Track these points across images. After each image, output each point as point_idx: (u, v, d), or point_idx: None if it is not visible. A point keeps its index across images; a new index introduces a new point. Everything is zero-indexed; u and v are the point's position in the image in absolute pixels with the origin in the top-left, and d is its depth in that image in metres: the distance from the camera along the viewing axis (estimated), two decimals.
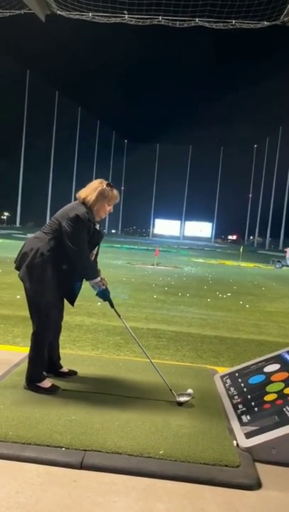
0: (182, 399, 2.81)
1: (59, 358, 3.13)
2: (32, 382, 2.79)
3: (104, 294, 2.84)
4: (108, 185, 2.85)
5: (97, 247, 2.94)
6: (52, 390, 2.77)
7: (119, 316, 2.97)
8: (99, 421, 2.44)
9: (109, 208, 2.90)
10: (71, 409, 2.56)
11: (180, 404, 2.78)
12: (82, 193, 2.84)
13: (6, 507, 1.74)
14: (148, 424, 2.45)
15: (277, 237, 58.67)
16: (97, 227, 2.89)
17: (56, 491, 1.87)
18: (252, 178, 66.81)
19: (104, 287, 2.82)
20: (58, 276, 2.72)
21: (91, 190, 2.82)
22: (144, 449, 2.18)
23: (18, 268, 2.81)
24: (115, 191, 2.88)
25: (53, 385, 2.81)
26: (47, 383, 2.80)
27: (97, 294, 2.85)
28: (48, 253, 2.69)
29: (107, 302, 2.91)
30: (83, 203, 2.80)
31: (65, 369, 3.13)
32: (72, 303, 2.98)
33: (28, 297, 2.76)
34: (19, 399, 2.65)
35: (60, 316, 3.02)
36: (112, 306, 2.93)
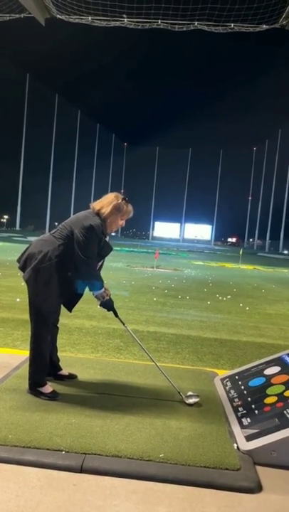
0: (191, 400, 2.83)
1: (58, 360, 3.12)
2: (34, 386, 2.78)
3: (108, 305, 2.85)
4: (124, 199, 2.86)
5: (103, 260, 2.96)
6: (52, 396, 2.75)
7: (124, 324, 2.98)
8: (99, 424, 2.43)
9: (121, 223, 2.91)
10: (71, 412, 2.56)
11: (190, 405, 2.80)
12: (97, 205, 2.84)
13: (5, 510, 1.73)
14: (148, 428, 2.44)
15: (277, 239, 58.69)
16: (107, 239, 2.91)
17: (56, 494, 1.86)
18: (251, 181, 66.91)
19: (108, 297, 2.83)
20: (62, 283, 2.72)
21: (107, 203, 2.82)
22: (144, 452, 2.18)
23: (22, 269, 2.79)
24: (130, 206, 2.90)
25: (53, 391, 2.79)
26: (48, 388, 2.79)
27: (100, 305, 2.86)
28: (56, 259, 2.68)
29: (111, 312, 2.92)
30: (97, 214, 2.80)
31: (65, 372, 3.12)
32: (70, 309, 2.98)
33: (31, 299, 2.75)
34: (19, 402, 2.64)
35: (57, 318, 3.04)
36: (116, 315, 2.95)
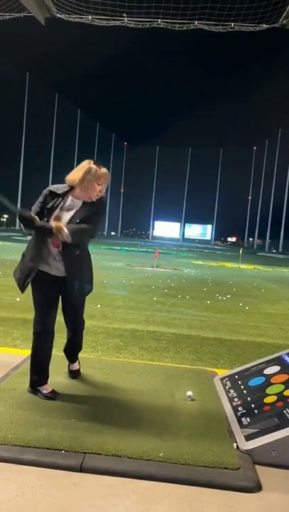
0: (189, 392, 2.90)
1: (71, 359, 3.16)
2: (33, 385, 2.79)
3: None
4: (95, 163, 2.78)
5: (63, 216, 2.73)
6: (51, 397, 2.73)
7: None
8: (99, 423, 2.43)
9: (99, 188, 2.78)
10: (71, 411, 2.56)
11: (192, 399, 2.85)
12: (70, 176, 2.80)
13: (5, 510, 1.73)
14: (148, 427, 2.44)
15: (277, 238, 58.70)
16: (79, 203, 2.76)
17: (56, 493, 1.86)
18: (251, 180, 66.87)
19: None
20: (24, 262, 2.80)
21: (77, 170, 2.78)
22: (143, 451, 2.18)
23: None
24: (103, 169, 2.79)
25: (53, 391, 2.78)
26: (47, 388, 2.79)
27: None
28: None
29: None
30: (69, 185, 2.77)
31: (72, 367, 3.15)
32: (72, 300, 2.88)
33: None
34: (19, 401, 2.64)
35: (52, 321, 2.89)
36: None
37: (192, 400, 2.88)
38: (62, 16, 13.43)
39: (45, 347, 2.81)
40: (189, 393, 2.90)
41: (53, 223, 2.59)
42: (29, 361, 2.86)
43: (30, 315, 5.65)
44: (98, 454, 2.14)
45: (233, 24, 13.32)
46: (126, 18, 13.13)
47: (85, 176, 2.72)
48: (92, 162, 2.79)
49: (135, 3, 12.52)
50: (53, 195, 2.76)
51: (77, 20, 13.52)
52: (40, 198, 2.77)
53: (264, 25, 13.36)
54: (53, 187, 2.81)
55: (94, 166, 2.75)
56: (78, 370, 3.19)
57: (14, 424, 2.34)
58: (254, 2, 12.45)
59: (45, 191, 2.78)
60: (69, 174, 2.83)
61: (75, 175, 2.77)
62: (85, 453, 2.14)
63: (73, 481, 1.96)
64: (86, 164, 2.78)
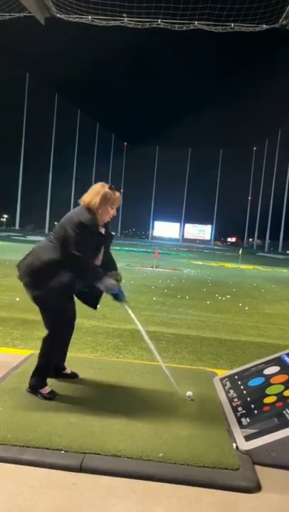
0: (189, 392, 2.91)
1: (64, 360, 3.13)
2: (34, 388, 2.78)
3: (117, 297, 2.89)
4: (110, 188, 2.83)
5: (102, 249, 2.93)
6: (49, 397, 2.73)
7: (134, 317, 3.02)
8: (98, 424, 2.43)
9: (112, 212, 2.88)
10: (70, 412, 2.56)
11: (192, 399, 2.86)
12: (86, 198, 2.81)
13: (5, 510, 1.73)
14: (147, 427, 2.44)
15: (277, 239, 58.72)
16: (102, 230, 2.90)
17: (55, 494, 1.86)
18: (251, 181, 66.88)
19: (115, 287, 2.81)
20: (65, 282, 2.70)
21: (94, 194, 2.79)
22: (143, 451, 2.18)
23: (22, 277, 2.76)
24: (117, 194, 2.87)
25: (51, 391, 2.79)
26: (46, 389, 2.79)
27: (114, 297, 2.90)
28: (54, 260, 2.68)
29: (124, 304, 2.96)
30: (88, 207, 2.78)
31: (68, 370, 3.13)
32: (94, 307, 3.05)
33: (39, 304, 2.76)
34: (18, 402, 2.64)
35: (73, 315, 3.06)
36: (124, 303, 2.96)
37: (192, 400, 2.88)
38: (62, 16, 13.44)
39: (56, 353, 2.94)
40: (189, 393, 2.90)
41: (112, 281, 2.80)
42: (32, 362, 2.86)
43: (30, 315, 5.67)
44: (98, 454, 2.14)
45: (233, 24, 13.33)
46: (126, 18, 13.14)
47: (102, 202, 2.78)
48: (107, 187, 2.83)
49: (135, 3, 12.53)
50: (92, 227, 2.76)
51: (77, 20, 13.52)
52: (89, 234, 2.72)
53: (264, 26, 13.37)
54: (87, 221, 2.71)
55: (110, 192, 2.81)
56: (72, 372, 3.15)
57: (14, 424, 2.34)
58: (254, 2, 12.46)
59: (90, 225, 2.71)
60: (84, 196, 2.83)
61: (92, 199, 2.78)
62: (85, 453, 2.14)
63: (73, 481, 1.96)
64: (101, 189, 2.81)
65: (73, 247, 2.63)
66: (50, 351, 2.82)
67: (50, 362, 2.85)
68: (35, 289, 2.71)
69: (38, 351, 2.84)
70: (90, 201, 2.77)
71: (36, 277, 2.70)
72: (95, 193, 2.79)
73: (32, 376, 2.81)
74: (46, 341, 2.81)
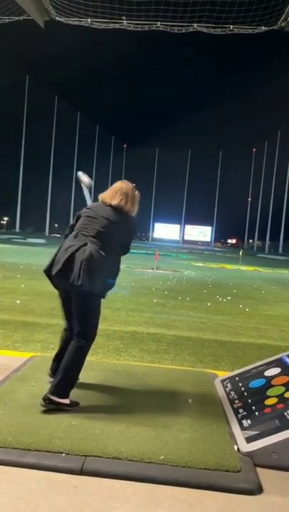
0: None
1: None
2: (60, 396, 2.60)
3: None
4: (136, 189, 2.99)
5: None
6: (74, 407, 2.63)
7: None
8: (99, 426, 2.43)
9: None
10: (71, 414, 2.55)
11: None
12: (126, 205, 2.86)
13: None
14: (148, 429, 2.44)
15: (277, 240, 58.69)
16: None
17: (56, 497, 1.86)
18: (251, 182, 66.87)
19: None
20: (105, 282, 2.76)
21: (131, 200, 2.89)
22: (144, 454, 2.18)
23: (64, 275, 2.63)
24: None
25: (72, 401, 2.67)
26: (67, 400, 2.65)
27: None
28: (105, 261, 2.69)
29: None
30: (127, 213, 2.87)
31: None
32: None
33: (86, 308, 2.70)
34: (19, 405, 2.64)
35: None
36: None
37: (192, 402, 2.87)
38: (62, 19, 13.48)
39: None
40: (190, 401, 2.90)
41: None
42: (33, 365, 2.84)
43: (31, 318, 5.67)
44: (99, 456, 2.14)
45: (232, 26, 13.36)
46: (125, 21, 13.17)
47: (136, 206, 2.99)
48: (136, 189, 2.99)
49: (134, 6, 12.56)
50: None
51: (76, 23, 13.56)
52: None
53: (263, 28, 13.41)
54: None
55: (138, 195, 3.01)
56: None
57: (14, 427, 2.34)
58: (253, 5, 12.49)
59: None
60: (128, 205, 2.88)
61: (133, 205, 2.93)
62: (86, 456, 2.13)
63: (74, 484, 1.96)
64: (135, 194, 2.95)
65: (126, 248, 2.90)
66: (84, 359, 2.74)
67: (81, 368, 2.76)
68: (91, 287, 2.61)
69: (68, 360, 2.68)
70: (131, 208, 2.89)
71: (91, 275, 2.60)
72: (132, 199, 2.90)
73: (57, 387, 2.61)
74: (84, 350, 2.72)
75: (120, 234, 2.82)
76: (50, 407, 2.56)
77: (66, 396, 2.63)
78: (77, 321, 2.74)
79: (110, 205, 2.83)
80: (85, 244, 2.68)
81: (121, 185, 2.91)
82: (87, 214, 2.84)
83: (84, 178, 3.27)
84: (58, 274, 2.68)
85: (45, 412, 2.55)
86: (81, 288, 2.58)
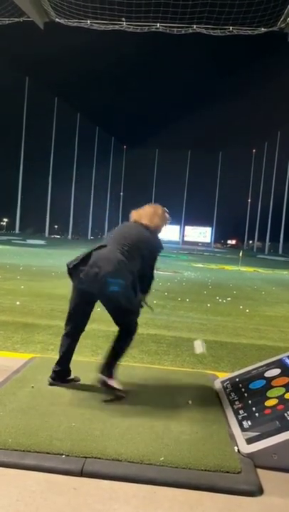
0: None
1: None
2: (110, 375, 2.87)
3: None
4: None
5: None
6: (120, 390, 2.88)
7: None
8: (99, 428, 2.42)
9: None
10: (71, 416, 2.55)
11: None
12: (154, 221, 3.11)
13: None
14: (148, 431, 2.43)
15: (277, 241, 58.70)
16: None
17: (56, 498, 1.86)
18: (251, 183, 66.91)
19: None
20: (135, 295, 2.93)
21: (160, 220, 3.14)
22: (144, 455, 2.17)
23: (100, 279, 2.73)
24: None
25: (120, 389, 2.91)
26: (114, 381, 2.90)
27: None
28: (131, 275, 2.83)
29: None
30: (154, 229, 3.10)
31: (72, 375, 3.15)
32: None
33: (124, 307, 2.86)
34: (19, 406, 2.64)
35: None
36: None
37: (192, 403, 2.87)
38: (61, 21, 13.49)
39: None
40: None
41: None
42: (32, 366, 2.84)
43: (31, 319, 5.67)
44: (99, 458, 2.13)
45: (231, 28, 13.38)
46: (124, 23, 13.19)
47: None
48: (166, 211, 3.25)
49: (134, 7, 12.57)
50: None
51: (76, 24, 13.57)
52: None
53: (262, 29, 13.42)
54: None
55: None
56: (75, 376, 3.15)
57: (14, 429, 2.33)
58: (252, 6, 12.50)
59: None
60: (154, 222, 3.13)
61: (160, 225, 3.19)
62: (86, 457, 2.13)
63: (74, 485, 1.95)
64: (164, 214, 3.22)
65: (153, 268, 3.08)
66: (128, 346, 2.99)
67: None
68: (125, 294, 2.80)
69: (114, 343, 2.97)
70: (157, 226, 3.13)
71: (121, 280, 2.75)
72: (160, 219, 3.15)
73: (106, 367, 2.88)
74: (130, 337, 2.97)
75: (146, 251, 2.98)
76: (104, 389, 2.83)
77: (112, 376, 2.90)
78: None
79: (141, 224, 3.09)
80: (114, 255, 2.82)
81: (154, 209, 3.19)
82: (120, 230, 3.13)
83: (198, 347, 3.43)
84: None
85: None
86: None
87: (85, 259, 2.80)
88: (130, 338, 3.00)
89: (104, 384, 2.84)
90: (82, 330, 3.14)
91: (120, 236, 2.98)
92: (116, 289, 2.71)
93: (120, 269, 2.74)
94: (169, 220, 3.23)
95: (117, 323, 3.01)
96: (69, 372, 3.09)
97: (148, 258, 2.98)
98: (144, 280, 3.02)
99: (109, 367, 2.90)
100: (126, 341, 2.99)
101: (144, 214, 3.13)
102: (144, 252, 2.94)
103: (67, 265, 2.88)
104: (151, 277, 3.13)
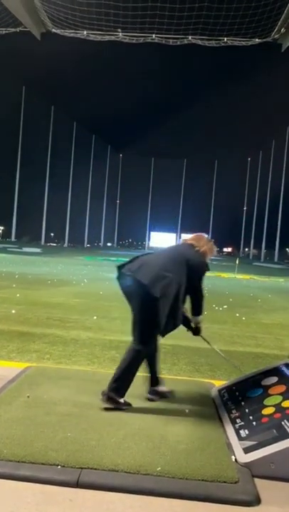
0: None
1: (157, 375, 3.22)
2: (116, 394, 2.84)
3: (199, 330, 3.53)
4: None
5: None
6: (127, 406, 2.86)
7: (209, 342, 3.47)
8: (95, 438, 2.40)
9: None
10: (66, 426, 2.52)
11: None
12: (204, 247, 3.20)
13: None
14: (145, 441, 2.41)
15: (273, 248, 58.95)
16: None
17: (52, 510, 1.83)
18: (246, 191, 67.45)
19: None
20: (177, 309, 2.96)
21: (209, 250, 3.23)
22: (141, 465, 2.15)
23: (145, 283, 2.87)
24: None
25: (125, 401, 2.87)
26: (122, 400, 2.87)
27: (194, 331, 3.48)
28: (177, 286, 2.91)
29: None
30: (203, 253, 3.17)
31: (163, 388, 3.17)
32: (163, 335, 3.13)
33: (150, 316, 2.92)
34: (14, 416, 2.61)
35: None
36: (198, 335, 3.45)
37: (189, 412, 2.86)
38: (58, 31, 13.64)
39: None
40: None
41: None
42: (28, 375, 2.82)
43: (26, 328, 5.63)
44: (95, 469, 2.11)
45: (226, 39, 13.57)
46: (120, 33, 13.34)
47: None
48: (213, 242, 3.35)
49: (129, 18, 12.74)
50: None
51: (72, 35, 13.72)
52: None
53: (256, 40, 13.63)
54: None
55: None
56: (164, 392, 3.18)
57: (9, 439, 2.30)
58: (246, 17, 12.71)
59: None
60: (204, 247, 3.21)
61: (209, 252, 3.26)
62: (82, 468, 2.10)
63: (70, 497, 1.93)
64: (212, 245, 3.30)
65: (201, 286, 3.13)
66: (139, 363, 2.97)
67: (136, 371, 2.94)
68: (164, 302, 2.86)
69: (124, 362, 2.95)
70: (205, 252, 3.19)
71: (166, 289, 2.86)
72: (210, 249, 3.24)
73: (115, 384, 2.86)
74: (141, 353, 2.98)
75: (191, 266, 3.04)
76: (108, 404, 2.80)
77: (122, 396, 2.86)
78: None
79: (190, 244, 3.23)
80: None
81: (206, 237, 3.34)
82: (169, 246, 3.38)
83: None
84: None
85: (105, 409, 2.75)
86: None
87: (132, 261, 3.10)
88: (136, 357, 2.97)
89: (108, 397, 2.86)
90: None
91: (167, 249, 3.30)
92: (158, 292, 2.82)
93: (158, 276, 2.86)
94: (215, 254, 3.36)
95: (133, 330, 3.09)
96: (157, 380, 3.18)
97: (193, 272, 3.05)
98: (192, 298, 3.12)
99: (115, 386, 2.88)
100: (131, 356, 2.97)
101: (194, 237, 3.31)
102: (189, 266, 3.02)
103: (117, 266, 3.16)
104: (198, 293, 3.14)
